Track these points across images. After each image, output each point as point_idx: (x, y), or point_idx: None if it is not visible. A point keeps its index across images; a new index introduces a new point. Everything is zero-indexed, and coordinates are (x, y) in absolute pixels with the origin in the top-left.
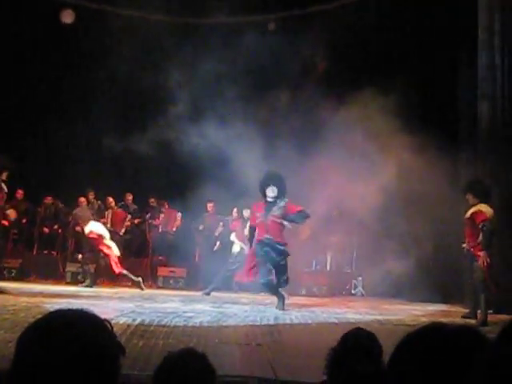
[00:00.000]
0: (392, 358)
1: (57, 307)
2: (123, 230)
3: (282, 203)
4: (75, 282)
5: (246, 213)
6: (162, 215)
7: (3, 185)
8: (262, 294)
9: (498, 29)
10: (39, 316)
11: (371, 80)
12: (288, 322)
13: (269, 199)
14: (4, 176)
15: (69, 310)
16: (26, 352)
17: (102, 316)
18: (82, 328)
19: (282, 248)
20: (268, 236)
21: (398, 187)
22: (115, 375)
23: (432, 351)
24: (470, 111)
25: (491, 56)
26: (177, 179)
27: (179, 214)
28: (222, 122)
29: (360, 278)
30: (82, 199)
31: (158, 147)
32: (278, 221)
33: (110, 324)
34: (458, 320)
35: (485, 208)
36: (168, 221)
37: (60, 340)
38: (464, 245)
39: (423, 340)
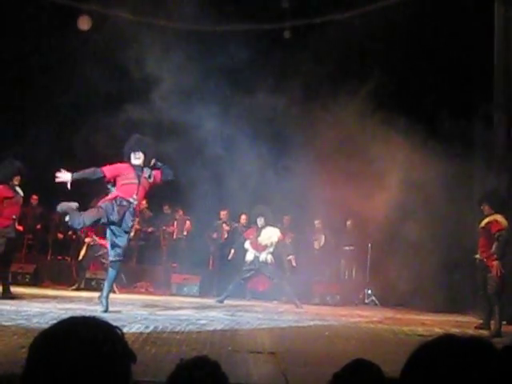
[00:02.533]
0: (404, 370)
1: (70, 313)
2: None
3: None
4: (89, 288)
5: (260, 221)
6: (175, 222)
7: (19, 189)
8: (275, 301)
9: None
10: (52, 321)
11: (380, 87)
12: (301, 330)
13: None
14: (16, 181)
15: (81, 317)
16: (37, 358)
17: (115, 323)
18: (94, 336)
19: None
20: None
21: (410, 197)
22: (126, 383)
23: (444, 363)
24: (486, 121)
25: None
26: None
27: (188, 220)
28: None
29: (373, 287)
30: None
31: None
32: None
33: (122, 331)
34: (472, 331)
35: (500, 218)
36: (182, 228)
37: (71, 347)
38: (477, 255)
39: (435, 352)
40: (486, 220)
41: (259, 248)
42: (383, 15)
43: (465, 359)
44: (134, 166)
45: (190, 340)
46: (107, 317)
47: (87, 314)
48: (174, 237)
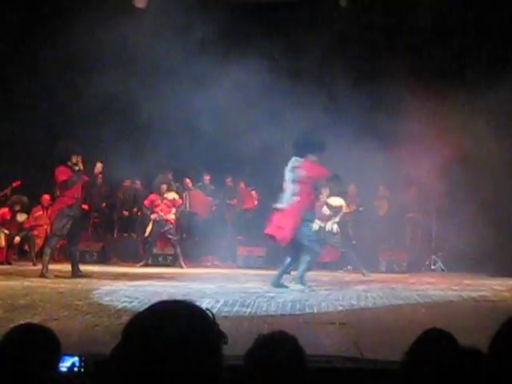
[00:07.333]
0: (493, 342)
1: (140, 290)
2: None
3: None
4: (156, 264)
5: (325, 191)
6: (238, 195)
7: (79, 168)
8: (341, 271)
9: None
10: (124, 299)
11: None
12: (370, 300)
13: None
14: (74, 160)
15: (173, 301)
16: (133, 340)
17: (185, 298)
18: (185, 319)
19: None
20: None
21: (471, 156)
22: (219, 365)
23: None
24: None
25: None
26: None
27: (254, 192)
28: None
29: (440, 254)
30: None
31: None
32: None
33: (212, 314)
34: None
35: None
36: (244, 200)
37: (163, 331)
38: None
39: None
40: None
41: (323, 218)
42: None
43: None
44: None
45: (260, 313)
46: (176, 292)
47: (156, 289)
48: (238, 209)
